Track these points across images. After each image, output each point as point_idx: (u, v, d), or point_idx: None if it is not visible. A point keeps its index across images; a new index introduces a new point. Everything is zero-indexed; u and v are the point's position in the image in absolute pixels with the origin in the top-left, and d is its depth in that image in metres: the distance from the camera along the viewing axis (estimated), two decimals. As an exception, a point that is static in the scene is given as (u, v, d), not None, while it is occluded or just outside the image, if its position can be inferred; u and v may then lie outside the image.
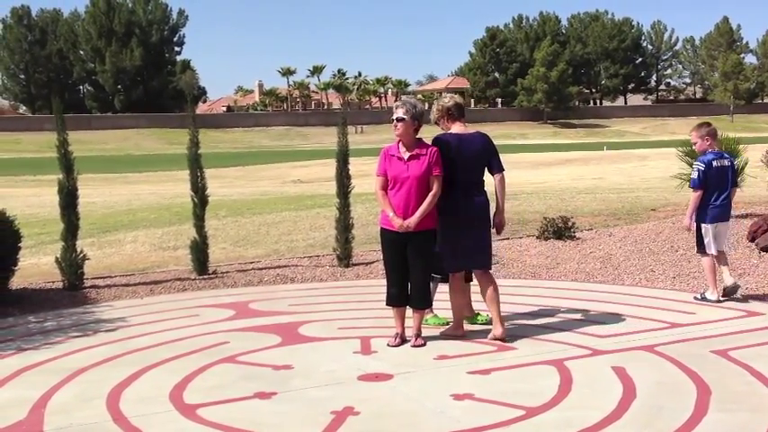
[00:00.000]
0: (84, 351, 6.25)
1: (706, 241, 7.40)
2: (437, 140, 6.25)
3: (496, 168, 6.28)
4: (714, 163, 7.35)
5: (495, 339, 6.22)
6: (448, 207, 6.15)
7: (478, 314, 6.78)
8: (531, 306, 7.34)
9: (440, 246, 6.26)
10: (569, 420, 4.59)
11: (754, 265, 8.87)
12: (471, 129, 6.40)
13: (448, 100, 6.46)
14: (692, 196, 7.42)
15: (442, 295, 6.67)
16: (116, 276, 9.28)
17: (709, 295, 7.38)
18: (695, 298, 7.47)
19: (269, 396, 5.11)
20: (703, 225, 7.40)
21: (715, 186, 7.34)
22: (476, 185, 6.23)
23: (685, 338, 6.17)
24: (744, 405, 4.76)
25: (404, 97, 6.78)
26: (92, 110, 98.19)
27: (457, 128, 6.36)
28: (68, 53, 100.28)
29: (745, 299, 7.41)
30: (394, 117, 6.08)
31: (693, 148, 7.67)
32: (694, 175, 7.37)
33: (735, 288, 7.37)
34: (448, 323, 6.60)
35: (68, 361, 6.00)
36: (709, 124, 7.60)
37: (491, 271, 6.44)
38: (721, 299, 7.33)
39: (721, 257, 7.50)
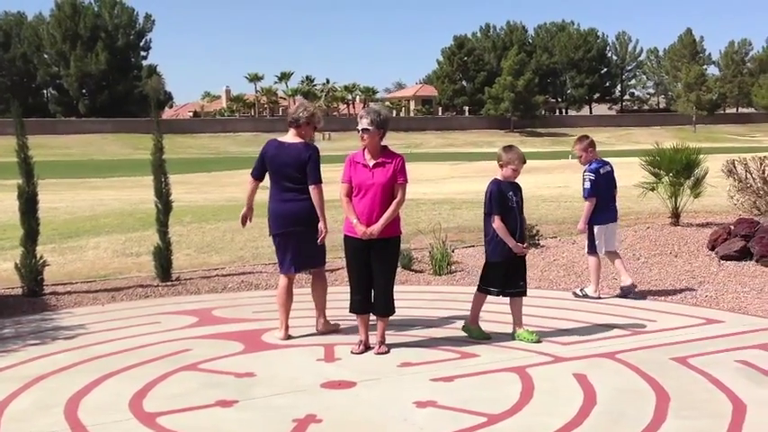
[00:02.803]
0: (43, 358, 6.16)
1: (597, 243, 8.01)
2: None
3: (311, 179, 6.46)
4: (600, 170, 8.03)
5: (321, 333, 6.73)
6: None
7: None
8: (494, 313, 7.34)
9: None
10: (530, 427, 4.62)
11: (713, 273, 9.00)
12: (292, 139, 6.60)
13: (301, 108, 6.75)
14: (585, 205, 8.01)
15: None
16: (77, 283, 9.15)
17: (590, 292, 7.98)
18: (574, 294, 8.08)
19: (230, 404, 5.07)
20: (596, 227, 8.03)
21: (604, 191, 8.01)
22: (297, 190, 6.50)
23: (646, 346, 6.24)
24: (702, 412, 4.82)
25: (370, 104, 6.83)
26: (56, 114, 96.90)
27: (291, 136, 6.63)
28: (32, 57, 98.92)
29: (705, 306, 7.53)
30: (359, 128, 6.09)
31: (578, 160, 8.27)
32: (587, 185, 7.99)
33: (632, 288, 7.99)
34: (539, 340, 6.41)
35: (26, 368, 5.90)
36: (587, 137, 8.32)
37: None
38: (602, 296, 8.01)
39: (615, 257, 8.13)
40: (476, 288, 6.75)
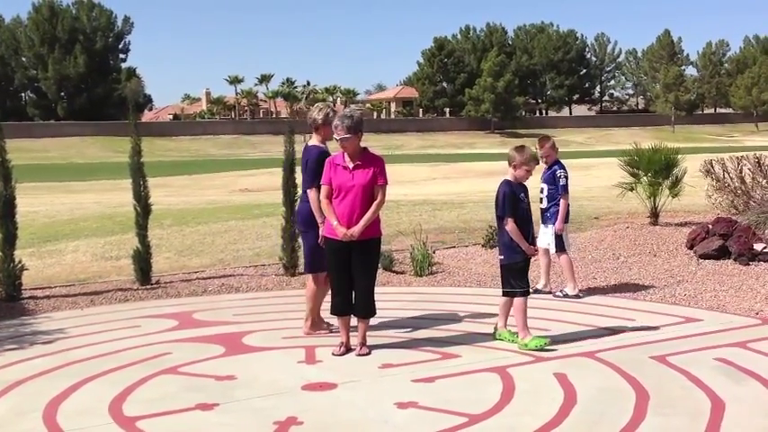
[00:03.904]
0: (21, 363, 6.11)
1: (565, 241, 8.19)
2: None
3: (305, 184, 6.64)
4: (566, 169, 8.22)
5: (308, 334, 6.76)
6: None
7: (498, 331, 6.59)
8: (475, 313, 7.38)
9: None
10: (511, 427, 4.64)
11: (692, 272, 9.06)
12: (314, 142, 6.78)
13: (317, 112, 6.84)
14: (564, 201, 8.13)
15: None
16: (56, 287, 9.09)
17: (570, 291, 8.07)
18: (554, 294, 8.17)
19: (211, 407, 5.05)
20: (564, 225, 8.21)
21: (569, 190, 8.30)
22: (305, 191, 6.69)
23: (625, 345, 6.28)
24: (680, 409, 4.86)
25: (349, 108, 6.82)
26: (34, 117, 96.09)
27: (314, 139, 6.82)
28: (10, 60, 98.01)
29: (684, 305, 7.59)
30: (338, 138, 6.09)
31: (542, 161, 8.13)
32: (563, 182, 8.11)
33: (547, 293, 8.25)
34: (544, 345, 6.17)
35: (4, 373, 5.85)
36: (549, 137, 8.42)
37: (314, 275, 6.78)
38: (581, 294, 8.07)
39: (549, 259, 8.38)
40: (503, 295, 6.46)
